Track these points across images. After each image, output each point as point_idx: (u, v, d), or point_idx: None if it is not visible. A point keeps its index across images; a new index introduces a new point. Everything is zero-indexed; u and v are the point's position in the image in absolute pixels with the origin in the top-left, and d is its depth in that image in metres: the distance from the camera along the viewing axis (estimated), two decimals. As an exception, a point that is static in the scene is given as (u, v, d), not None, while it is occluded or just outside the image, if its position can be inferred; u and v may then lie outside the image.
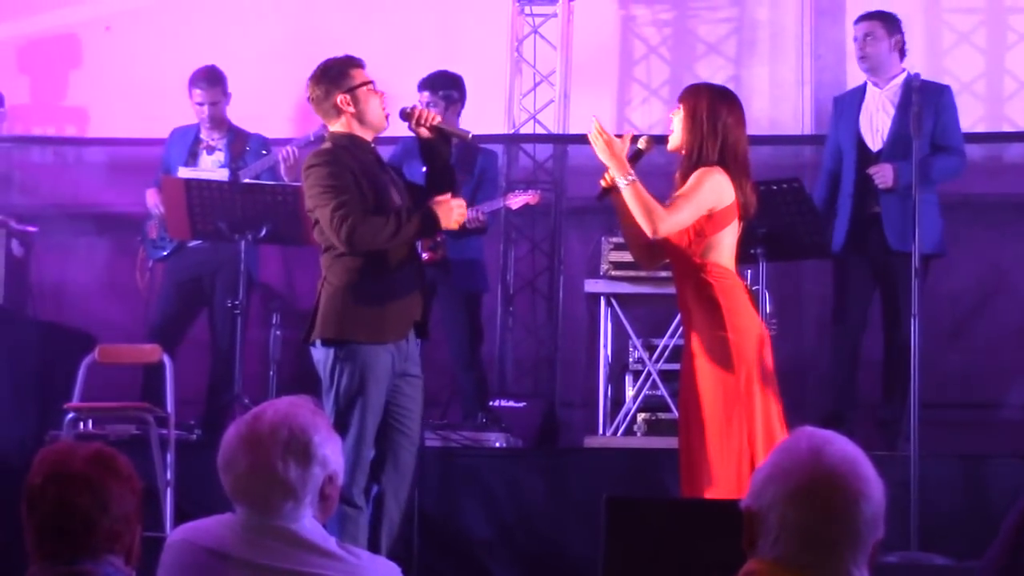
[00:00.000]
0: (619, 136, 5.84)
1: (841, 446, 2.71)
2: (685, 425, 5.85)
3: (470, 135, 6.69)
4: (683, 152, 5.85)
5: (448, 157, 6.27)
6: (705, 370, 5.74)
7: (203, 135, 8.76)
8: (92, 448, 3.17)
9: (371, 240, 5.85)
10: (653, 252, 5.98)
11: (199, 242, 8.39)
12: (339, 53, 6.24)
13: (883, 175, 7.78)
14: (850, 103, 8.13)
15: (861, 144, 7.97)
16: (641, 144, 5.95)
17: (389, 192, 5.99)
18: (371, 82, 6.09)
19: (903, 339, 7.76)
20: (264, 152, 8.54)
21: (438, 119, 6.23)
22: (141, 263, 8.78)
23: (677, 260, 5.84)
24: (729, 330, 5.70)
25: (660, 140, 6.02)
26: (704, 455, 5.69)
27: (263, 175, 8.42)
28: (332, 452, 3.31)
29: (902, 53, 8.09)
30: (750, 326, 5.78)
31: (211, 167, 8.63)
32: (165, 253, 8.65)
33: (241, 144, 8.70)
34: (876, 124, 7.97)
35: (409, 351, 6.01)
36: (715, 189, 5.75)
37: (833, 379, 8.08)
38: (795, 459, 2.69)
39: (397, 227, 5.87)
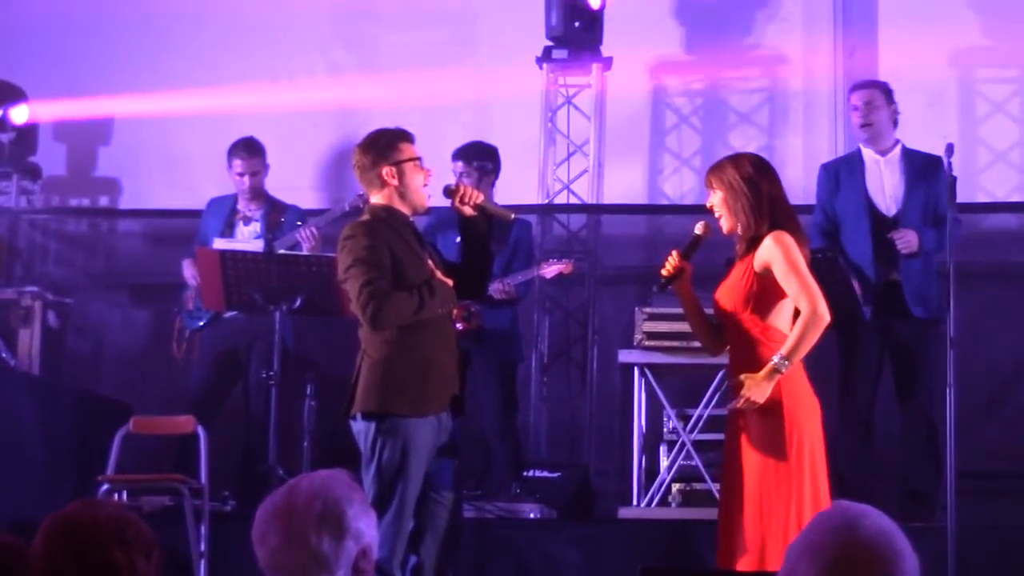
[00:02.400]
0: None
1: (875, 521, 2.70)
2: (727, 492, 5.80)
3: (512, 216, 6.61)
4: (739, 230, 5.84)
5: (488, 236, 6.23)
6: (755, 437, 5.69)
7: (240, 206, 8.79)
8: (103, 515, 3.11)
9: (395, 319, 5.84)
10: (723, 337, 5.99)
11: (235, 313, 8.40)
12: (375, 124, 6.25)
13: (908, 241, 7.78)
14: (849, 171, 8.10)
15: (873, 210, 7.95)
16: (698, 230, 5.95)
17: (424, 267, 5.98)
18: (418, 158, 6.07)
19: (925, 407, 7.72)
20: (299, 223, 8.55)
21: (481, 198, 6.19)
22: (178, 333, 8.78)
23: (736, 326, 5.81)
24: (784, 397, 5.66)
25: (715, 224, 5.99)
26: (741, 523, 5.65)
27: (297, 247, 8.43)
28: (366, 526, 3.29)
29: (895, 124, 8.11)
30: (805, 396, 5.74)
31: (247, 238, 8.65)
32: (202, 324, 8.66)
33: (277, 215, 8.73)
34: (887, 190, 7.97)
35: (447, 422, 6.00)
36: (796, 247, 5.76)
37: (847, 450, 7.94)
38: (829, 533, 2.68)
39: (420, 302, 5.86)
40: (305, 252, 8.27)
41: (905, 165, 7.97)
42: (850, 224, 7.97)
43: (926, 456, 7.72)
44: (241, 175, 8.71)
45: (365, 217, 6.06)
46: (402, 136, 6.09)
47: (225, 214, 8.80)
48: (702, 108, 10.19)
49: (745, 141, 9.79)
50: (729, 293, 5.81)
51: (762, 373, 5.63)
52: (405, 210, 6.05)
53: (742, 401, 5.63)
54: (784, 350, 5.64)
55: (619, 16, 9.67)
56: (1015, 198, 9.63)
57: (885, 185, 7.99)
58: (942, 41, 9.77)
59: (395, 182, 6.00)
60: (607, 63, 9.74)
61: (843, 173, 8.13)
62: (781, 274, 5.72)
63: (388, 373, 5.88)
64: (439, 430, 5.94)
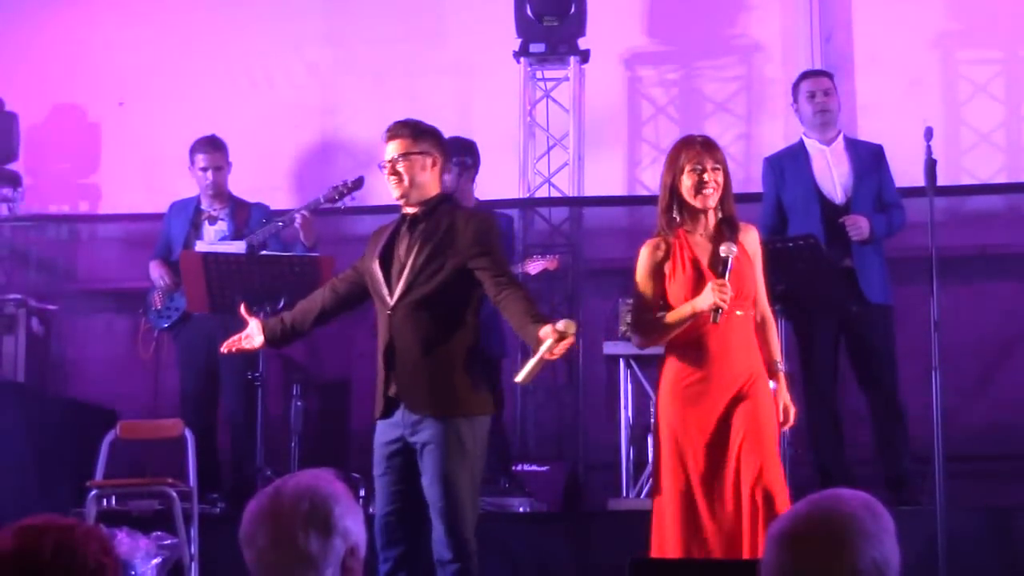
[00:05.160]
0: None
1: (849, 502, 2.73)
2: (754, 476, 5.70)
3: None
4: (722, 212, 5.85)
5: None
6: (769, 409, 5.77)
7: (204, 206, 8.77)
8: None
9: None
10: None
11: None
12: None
13: (859, 227, 7.78)
14: (793, 161, 8.11)
15: (823, 198, 7.96)
16: (725, 251, 5.77)
17: (369, 274, 6.09)
18: (381, 162, 6.18)
19: (889, 392, 7.74)
20: (264, 221, 8.52)
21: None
22: (144, 334, 8.78)
23: (745, 319, 5.83)
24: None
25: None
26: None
27: (268, 241, 8.41)
28: (353, 523, 3.28)
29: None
30: None
31: (214, 238, 8.61)
32: (167, 324, 8.65)
33: (244, 214, 8.70)
34: (836, 178, 7.99)
35: (409, 419, 5.94)
36: None
37: (814, 435, 7.90)
38: (800, 508, 2.73)
39: None
40: (302, 237, 8.25)
41: (850, 154, 8.02)
42: (799, 214, 7.96)
43: (898, 441, 7.73)
44: (205, 170, 8.69)
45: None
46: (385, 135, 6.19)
47: (190, 215, 8.77)
48: (678, 98, 10.19)
49: (723, 129, 9.78)
50: (747, 282, 5.79)
51: (784, 388, 5.84)
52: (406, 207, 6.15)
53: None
54: (780, 356, 5.80)
55: (594, 8, 9.66)
56: (1000, 179, 9.64)
57: (833, 173, 7.99)
58: (922, 23, 9.77)
59: None
60: (584, 56, 9.74)
61: (788, 165, 8.12)
62: (758, 271, 5.78)
63: None
64: (400, 427, 5.94)
